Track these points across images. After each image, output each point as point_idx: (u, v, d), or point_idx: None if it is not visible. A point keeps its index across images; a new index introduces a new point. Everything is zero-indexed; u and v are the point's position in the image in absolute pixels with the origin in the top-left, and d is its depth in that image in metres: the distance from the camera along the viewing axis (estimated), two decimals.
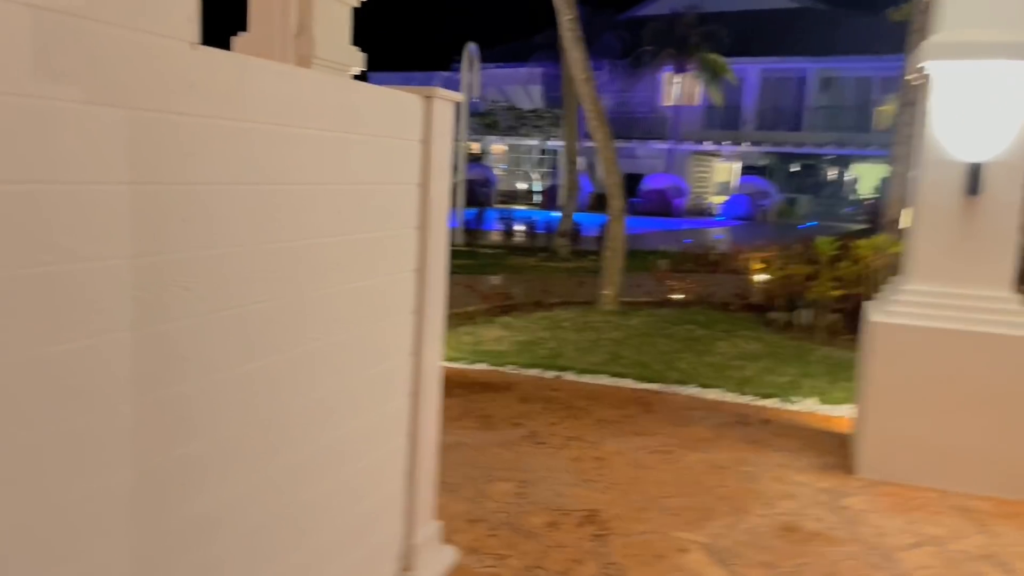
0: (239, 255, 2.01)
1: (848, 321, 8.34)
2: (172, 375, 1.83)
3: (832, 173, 37.68)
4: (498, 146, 37.77)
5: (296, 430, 2.32)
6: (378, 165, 2.63)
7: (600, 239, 14.21)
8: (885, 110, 29.90)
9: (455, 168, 19.13)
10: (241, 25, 4.29)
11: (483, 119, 33.46)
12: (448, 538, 3.45)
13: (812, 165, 37.09)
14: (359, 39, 4.60)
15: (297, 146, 2.19)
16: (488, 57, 30.93)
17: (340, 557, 2.63)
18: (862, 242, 8.06)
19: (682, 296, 10.23)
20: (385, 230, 2.71)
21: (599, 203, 23.49)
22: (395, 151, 2.73)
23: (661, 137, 34.67)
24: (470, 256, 15.08)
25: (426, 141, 2.86)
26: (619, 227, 9.66)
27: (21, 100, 1.42)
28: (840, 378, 6.64)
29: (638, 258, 14.59)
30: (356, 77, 4.48)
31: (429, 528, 3.17)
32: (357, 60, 4.57)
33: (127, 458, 1.72)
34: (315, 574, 2.49)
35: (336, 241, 2.43)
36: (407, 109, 2.77)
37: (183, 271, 1.83)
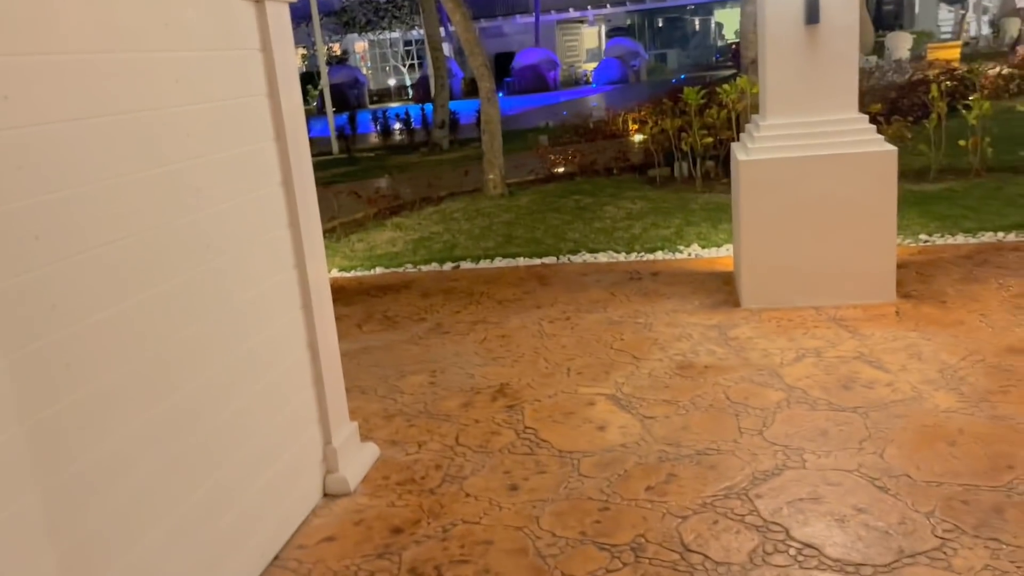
0: (88, 195, 1.96)
1: (723, 166, 8.67)
2: (41, 326, 1.80)
3: (697, 23, 38.01)
4: (360, 44, 36.30)
5: (188, 360, 2.32)
6: (219, 80, 2.54)
7: (479, 125, 14.09)
8: None
9: (317, 73, 18.36)
10: None
11: (340, 17, 31.98)
12: (368, 435, 3.56)
13: (676, 18, 37.28)
14: None
15: (124, 72, 2.11)
16: None
17: (262, 470, 2.70)
18: (726, 87, 8.27)
19: (565, 169, 10.35)
20: (240, 146, 2.65)
21: (473, 88, 23.11)
22: (234, 63, 2.64)
23: (526, 11, 34.02)
24: (350, 163, 14.74)
25: (265, 48, 2.77)
26: (492, 109, 9.59)
27: None
28: (720, 221, 6.96)
29: (519, 138, 14.59)
30: None
31: (346, 430, 3.27)
32: None
33: (8, 416, 1.71)
34: (242, 490, 2.56)
35: (190, 164, 2.37)
36: (238, 17, 2.67)
37: (29, 219, 1.78)
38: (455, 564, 2.62)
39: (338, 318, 3.37)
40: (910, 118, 8.69)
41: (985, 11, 28.45)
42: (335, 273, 6.72)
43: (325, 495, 3.11)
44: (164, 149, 2.26)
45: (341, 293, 5.94)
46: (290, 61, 2.94)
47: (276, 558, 2.74)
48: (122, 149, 2.08)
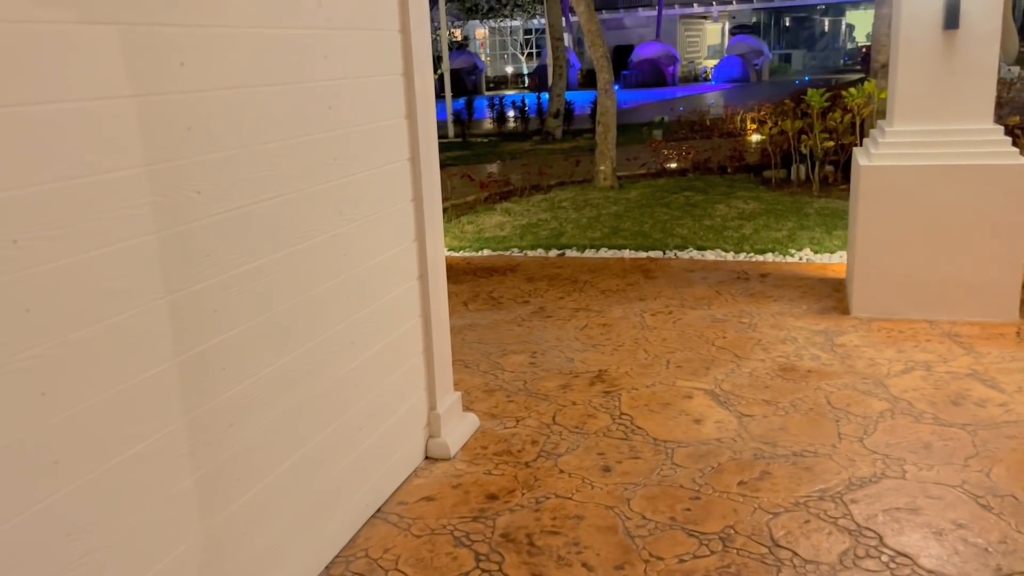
0: (244, 156, 2.15)
1: (842, 171, 8.43)
2: (197, 271, 2.00)
3: (826, 24, 36.67)
4: (481, 31, 36.75)
5: (317, 316, 2.51)
6: (360, 58, 2.71)
7: (593, 116, 14.10)
8: None
9: (439, 58, 18.77)
10: None
11: (463, 3, 32.46)
12: (469, 407, 3.71)
13: (805, 17, 36.07)
14: None
15: (282, 46, 2.29)
16: None
17: (373, 427, 2.88)
18: (852, 91, 8.03)
19: (678, 164, 10.28)
20: (375, 121, 2.82)
21: (590, 79, 23.07)
22: (375, 42, 2.80)
23: (648, 4, 33.63)
24: (464, 147, 15.04)
25: (404, 30, 2.93)
26: (609, 101, 9.61)
27: (21, 26, 1.53)
28: (835, 227, 6.80)
29: (632, 131, 14.54)
30: None
31: (450, 398, 3.42)
32: None
33: (166, 350, 1.92)
34: (352, 443, 2.74)
35: (330, 136, 2.55)
36: None
37: (193, 176, 1.98)
38: (546, 534, 2.73)
39: (447, 294, 3.53)
40: None
41: None
42: (445, 251, 6.93)
43: (427, 458, 3.28)
44: (309, 120, 2.44)
45: (450, 272, 6.13)
46: (425, 43, 3.09)
47: (379, 511, 2.92)
48: (274, 117, 2.27)
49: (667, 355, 4.30)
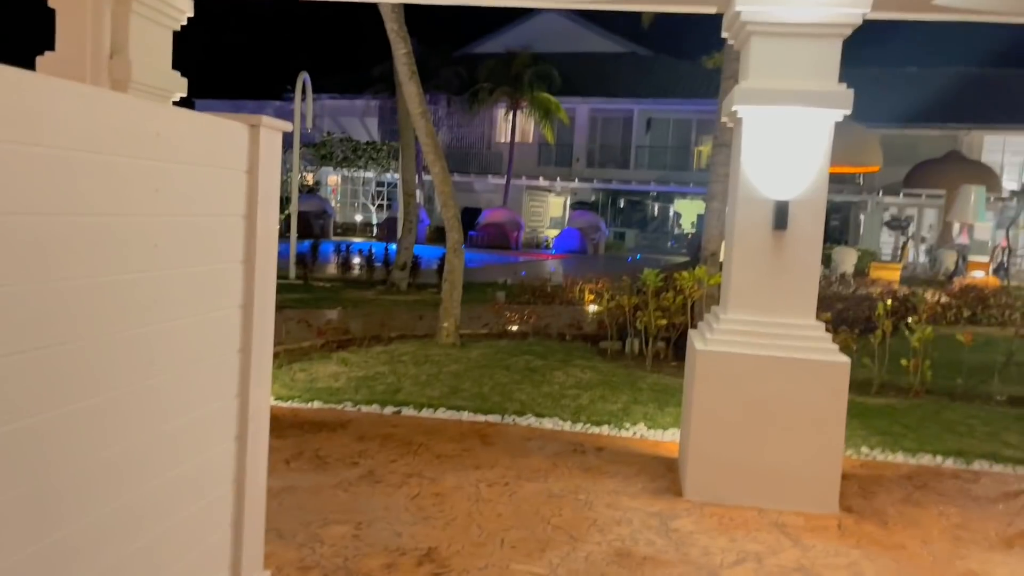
0: (34, 292, 1.83)
1: (673, 348, 8.77)
2: None
3: (657, 209, 39.94)
4: (333, 177, 37.14)
5: (102, 485, 2.12)
6: (199, 195, 2.49)
7: (439, 272, 14.20)
8: (703, 150, 32.14)
9: (287, 198, 18.61)
10: (51, 44, 3.98)
11: (318, 150, 32.82)
12: None
13: (638, 201, 39.17)
14: (187, 66, 4.42)
15: (105, 174, 2.04)
16: (324, 88, 30.49)
17: None
18: (684, 274, 8.51)
19: (519, 327, 10.39)
20: (207, 264, 2.56)
21: (438, 236, 23.51)
22: (218, 181, 2.59)
23: (498, 172, 35.38)
24: (305, 289, 14.64)
25: (252, 171, 2.74)
26: (457, 260, 9.69)
27: None
28: (667, 403, 6.94)
29: (477, 290, 14.72)
30: (179, 103, 4.27)
31: None
32: (179, 85, 4.35)
33: None
34: None
35: (151, 276, 2.26)
36: (231, 138, 2.65)
37: None
38: None
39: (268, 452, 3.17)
40: (856, 330, 9.01)
41: (923, 240, 30.41)
42: (271, 401, 6.46)
43: None
44: (129, 257, 2.15)
45: (274, 424, 5.63)
46: (273, 186, 2.91)
47: None
48: (86, 250, 1.98)
49: (502, 533, 4.06)
